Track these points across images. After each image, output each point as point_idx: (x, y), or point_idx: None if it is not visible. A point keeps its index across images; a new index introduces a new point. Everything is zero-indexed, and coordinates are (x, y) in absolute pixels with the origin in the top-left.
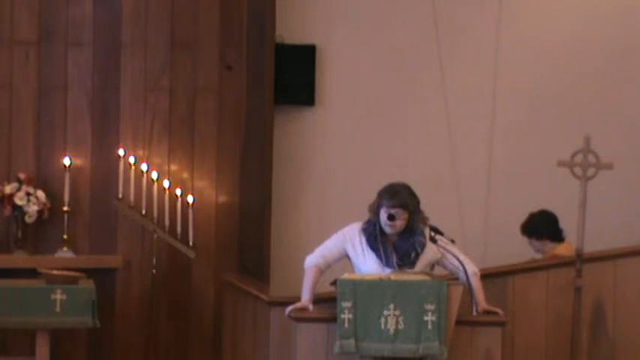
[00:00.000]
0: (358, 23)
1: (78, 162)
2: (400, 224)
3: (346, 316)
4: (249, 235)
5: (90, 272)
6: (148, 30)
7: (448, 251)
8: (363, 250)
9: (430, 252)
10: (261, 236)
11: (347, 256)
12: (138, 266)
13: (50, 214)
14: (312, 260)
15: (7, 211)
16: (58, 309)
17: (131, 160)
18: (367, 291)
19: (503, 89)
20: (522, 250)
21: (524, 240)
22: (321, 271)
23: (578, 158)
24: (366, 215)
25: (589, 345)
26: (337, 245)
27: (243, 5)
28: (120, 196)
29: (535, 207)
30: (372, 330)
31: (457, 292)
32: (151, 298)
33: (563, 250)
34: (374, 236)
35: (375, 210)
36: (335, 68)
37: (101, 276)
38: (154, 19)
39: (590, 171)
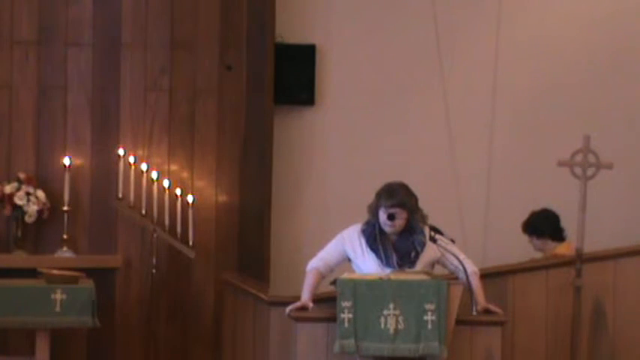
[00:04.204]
0: (358, 23)
1: (78, 162)
2: (400, 223)
3: (346, 315)
4: (249, 235)
5: (90, 272)
6: (148, 30)
7: (448, 251)
8: (363, 251)
9: (430, 251)
10: (261, 236)
11: (348, 259)
12: (138, 266)
13: (50, 214)
14: (313, 264)
15: (7, 211)
16: (58, 309)
17: (131, 159)
18: (367, 291)
19: (503, 89)
20: (522, 250)
21: (525, 240)
22: (322, 275)
23: (578, 158)
24: (366, 215)
25: (589, 345)
26: (337, 248)
27: (243, 5)
28: (120, 195)
29: (535, 207)
30: (371, 330)
31: (457, 291)
32: (151, 298)
33: (563, 249)
34: (373, 236)
35: (373, 211)
36: (335, 68)
37: (101, 276)
38: (154, 19)
39: (590, 171)
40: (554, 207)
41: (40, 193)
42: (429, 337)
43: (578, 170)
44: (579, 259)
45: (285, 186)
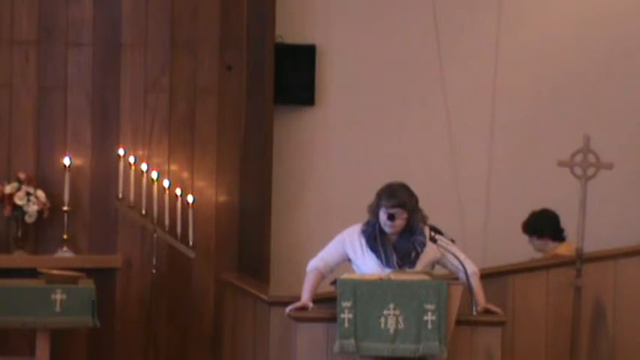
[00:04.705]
0: (358, 23)
1: (78, 162)
2: (400, 224)
3: (346, 315)
4: (249, 235)
5: (90, 272)
6: (148, 30)
7: (448, 251)
8: (363, 251)
9: (430, 252)
10: (261, 236)
11: (348, 259)
12: (138, 266)
13: (50, 214)
14: (313, 264)
15: (7, 211)
16: (58, 309)
17: (131, 160)
18: (367, 291)
19: (503, 89)
20: (522, 250)
21: (525, 240)
22: (322, 275)
23: (578, 158)
24: (366, 215)
25: (589, 345)
26: (337, 248)
27: (243, 5)
28: (120, 195)
29: (535, 207)
30: (371, 330)
31: (457, 291)
32: (151, 297)
33: (564, 249)
34: (374, 237)
35: (374, 210)
36: (335, 68)
37: (101, 276)
38: (154, 19)
39: (590, 171)
40: (554, 207)
41: (40, 193)
42: (429, 337)
43: (578, 170)
44: (579, 259)
45: (285, 186)
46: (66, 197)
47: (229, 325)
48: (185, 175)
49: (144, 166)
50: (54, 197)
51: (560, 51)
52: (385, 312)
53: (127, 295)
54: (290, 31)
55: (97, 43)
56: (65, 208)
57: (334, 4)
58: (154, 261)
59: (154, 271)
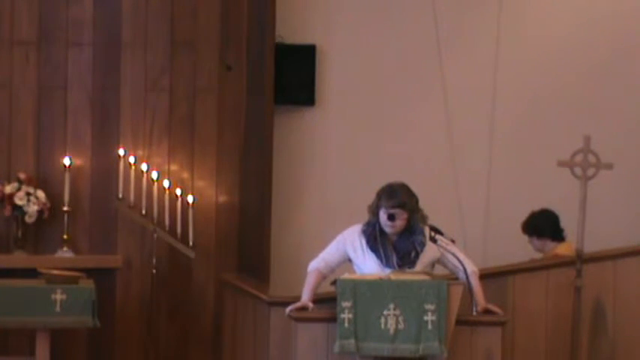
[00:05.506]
0: (358, 23)
1: (78, 162)
2: (400, 224)
3: (346, 315)
4: (249, 235)
5: (90, 272)
6: (148, 30)
7: (448, 251)
8: (363, 251)
9: (430, 251)
10: (261, 236)
11: (348, 259)
12: (138, 266)
13: (50, 214)
14: (314, 264)
15: (7, 211)
16: (58, 309)
17: (131, 160)
18: (367, 291)
19: (503, 89)
20: (522, 250)
21: (525, 240)
22: (323, 275)
23: (578, 158)
24: (366, 215)
25: (589, 345)
26: (338, 248)
27: (243, 5)
28: (120, 196)
29: (535, 207)
30: (372, 330)
31: (457, 291)
32: (151, 298)
33: (563, 249)
34: (374, 237)
35: (374, 211)
36: (335, 68)
37: (101, 276)
38: (154, 19)
39: (590, 171)
40: (554, 207)
41: (40, 193)
42: (429, 337)
43: (578, 170)
44: (579, 259)
45: (285, 186)
46: (66, 197)
47: (229, 325)
48: (185, 175)
49: (144, 166)
50: (54, 197)
51: (560, 51)
52: (385, 312)
53: (127, 295)
54: (290, 31)
55: (97, 43)
56: (65, 208)
57: (334, 4)
58: (154, 261)
59: (154, 271)
